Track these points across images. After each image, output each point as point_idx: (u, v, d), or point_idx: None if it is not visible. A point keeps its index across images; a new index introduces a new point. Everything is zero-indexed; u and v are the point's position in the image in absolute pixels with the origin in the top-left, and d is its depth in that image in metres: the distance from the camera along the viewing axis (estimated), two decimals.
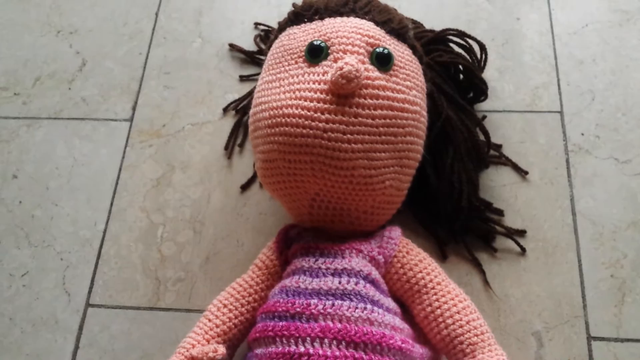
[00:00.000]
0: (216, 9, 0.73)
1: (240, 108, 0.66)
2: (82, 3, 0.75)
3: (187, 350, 0.46)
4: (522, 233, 0.57)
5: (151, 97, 0.68)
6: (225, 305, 0.49)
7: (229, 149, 0.64)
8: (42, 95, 0.69)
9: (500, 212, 0.58)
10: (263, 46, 0.68)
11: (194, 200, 0.61)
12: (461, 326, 0.45)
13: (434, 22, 0.65)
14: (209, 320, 0.48)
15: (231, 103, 0.66)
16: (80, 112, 0.68)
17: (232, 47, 0.69)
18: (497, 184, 0.60)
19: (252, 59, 0.69)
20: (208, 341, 0.47)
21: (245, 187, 0.62)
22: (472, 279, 0.56)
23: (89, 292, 0.57)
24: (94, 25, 0.73)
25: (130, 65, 0.70)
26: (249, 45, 0.69)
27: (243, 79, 0.68)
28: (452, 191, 0.56)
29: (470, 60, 0.61)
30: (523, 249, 0.56)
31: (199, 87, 0.68)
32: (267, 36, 0.69)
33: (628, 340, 0.52)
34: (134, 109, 0.67)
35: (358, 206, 0.48)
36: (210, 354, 0.44)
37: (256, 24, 0.71)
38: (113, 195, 0.62)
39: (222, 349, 0.45)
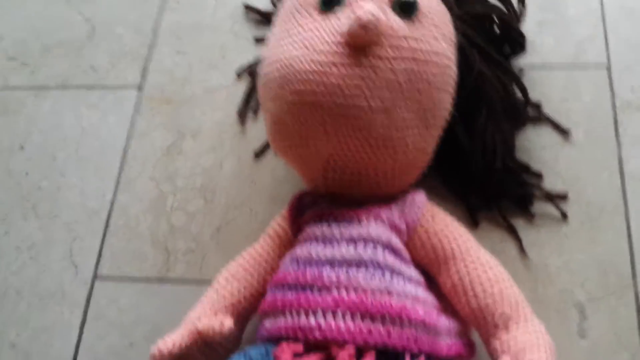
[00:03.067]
0: None
1: (255, 72, 0.65)
2: None
3: (193, 323, 0.46)
4: (563, 197, 0.55)
5: (162, 63, 0.68)
6: (233, 277, 0.49)
7: (242, 114, 0.64)
8: (50, 64, 0.71)
9: (539, 175, 0.56)
10: None
11: (205, 168, 0.62)
12: (492, 296, 0.43)
13: None
14: (217, 292, 0.48)
15: (246, 67, 0.66)
16: (89, 80, 0.69)
17: (248, 8, 0.70)
18: (536, 146, 0.58)
19: (268, 20, 0.68)
20: (215, 314, 0.47)
21: (259, 154, 0.61)
22: (507, 246, 0.54)
23: (97, 264, 0.58)
24: None
25: (141, 31, 0.71)
26: (265, 5, 0.69)
27: (259, 41, 0.68)
28: (485, 151, 0.54)
29: (506, 11, 0.60)
30: (564, 214, 0.54)
31: (212, 52, 0.68)
32: None
33: None
34: (143, 75, 0.68)
35: (377, 170, 0.46)
36: (217, 327, 0.44)
37: None
38: (121, 165, 0.63)
39: (229, 322, 0.44)
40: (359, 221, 0.45)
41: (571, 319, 0.51)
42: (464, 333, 0.46)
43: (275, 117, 0.47)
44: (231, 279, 0.49)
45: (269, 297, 0.44)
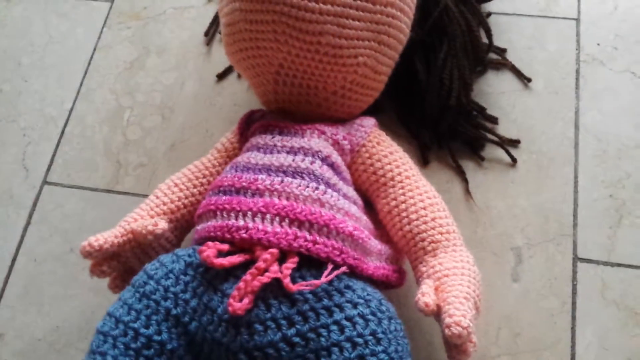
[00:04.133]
0: None
1: None
2: None
3: (129, 224, 0.44)
4: (515, 143, 0.53)
5: None
6: (176, 185, 0.48)
7: (209, 35, 0.61)
8: None
9: (494, 120, 0.54)
10: None
11: (166, 85, 0.60)
12: (425, 222, 0.42)
13: None
14: (157, 198, 0.47)
15: None
16: None
17: None
18: (495, 91, 0.56)
19: None
20: (152, 217, 0.45)
21: (221, 77, 0.59)
22: (453, 187, 0.52)
23: (48, 169, 0.57)
24: None
25: None
26: None
27: None
28: (441, 88, 0.52)
29: None
30: (514, 160, 0.53)
31: None
32: None
33: (619, 265, 0.49)
34: None
35: (327, 84, 0.45)
36: (150, 227, 0.43)
37: None
38: (84, 75, 0.61)
39: (163, 224, 0.43)
40: (302, 134, 0.44)
41: (507, 262, 0.49)
42: (395, 260, 0.45)
43: (229, 19, 0.45)
44: (173, 186, 0.47)
45: (204, 201, 0.43)
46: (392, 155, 0.46)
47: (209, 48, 0.61)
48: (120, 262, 0.44)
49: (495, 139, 0.53)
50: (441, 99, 0.52)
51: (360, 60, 0.44)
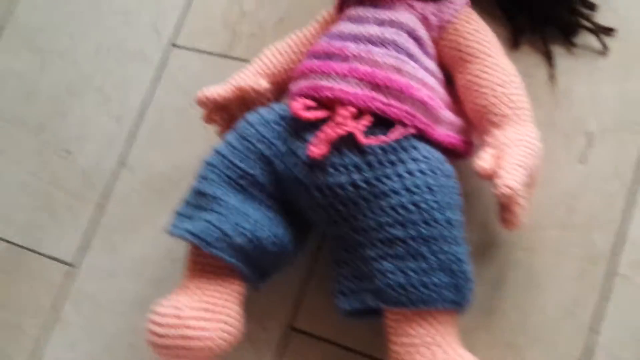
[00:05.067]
0: None
1: None
2: None
3: (236, 81, 0.51)
4: (610, 31, 0.52)
5: None
6: (279, 52, 0.53)
7: None
8: None
9: (592, 6, 0.53)
10: None
11: None
12: (496, 96, 0.45)
13: None
14: (261, 61, 0.52)
15: None
16: None
17: None
18: None
19: None
20: (256, 77, 0.51)
21: None
22: (538, 71, 0.53)
23: (175, 33, 0.64)
24: None
25: None
26: None
27: None
28: None
29: None
30: (605, 47, 0.52)
31: None
32: None
33: None
34: None
35: None
36: (255, 86, 0.49)
37: None
38: None
39: (264, 83, 0.50)
40: (392, 7, 0.47)
41: (577, 144, 0.50)
42: (465, 133, 0.47)
43: None
44: (277, 53, 0.53)
45: (300, 65, 0.48)
46: (478, 34, 0.47)
47: None
48: (227, 114, 0.51)
49: (590, 25, 0.53)
50: None
51: None
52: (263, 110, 0.47)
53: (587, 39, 0.53)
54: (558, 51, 0.53)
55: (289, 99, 0.48)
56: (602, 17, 0.53)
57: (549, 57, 0.53)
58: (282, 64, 0.52)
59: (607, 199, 0.48)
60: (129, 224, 0.59)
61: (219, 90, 0.50)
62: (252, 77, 0.51)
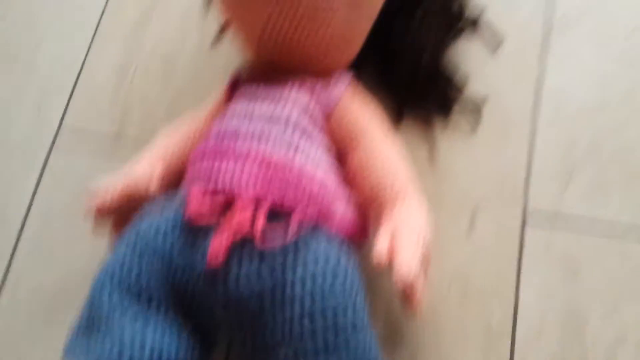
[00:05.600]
0: None
1: None
2: None
3: (129, 178, 0.49)
4: (479, 105, 0.57)
5: None
6: (174, 137, 0.53)
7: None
8: None
9: (463, 81, 0.57)
10: None
11: (169, 41, 0.63)
12: (388, 174, 0.46)
13: None
14: (156, 149, 0.52)
15: None
16: None
17: None
18: (464, 52, 0.59)
19: None
20: (149, 166, 0.51)
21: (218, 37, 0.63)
22: (420, 147, 0.56)
23: (62, 116, 0.62)
24: None
25: None
26: None
27: None
28: (414, 54, 0.55)
29: None
30: (477, 122, 0.56)
31: None
32: None
33: (565, 221, 0.53)
34: None
35: (307, 41, 0.47)
36: (150, 184, 0.48)
37: None
38: (96, 28, 0.65)
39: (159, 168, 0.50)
40: (284, 86, 0.48)
41: (463, 220, 0.53)
42: (360, 216, 0.48)
43: None
44: (172, 138, 0.52)
45: (195, 149, 0.47)
46: (365, 110, 0.49)
47: (207, 12, 0.64)
48: (119, 213, 0.49)
49: (463, 100, 0.57)
50: (413, 64, 0.55)
51: (339, 19, 0.46)
52: (156, 218, 0.45)
53: (460, 112, 0.57)
54: (436, 124, 0.57)
55: (184, 183, 0.47)
56: (472, 90, 0.57)
57: (428, 131, 0.56)
58: (179, 149, 0.52)
59: (497, 270, 0.52)
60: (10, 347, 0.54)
61: (111, 193, 0.47)
62: (147, 169, 0.50)
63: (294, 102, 0.46)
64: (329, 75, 0.50)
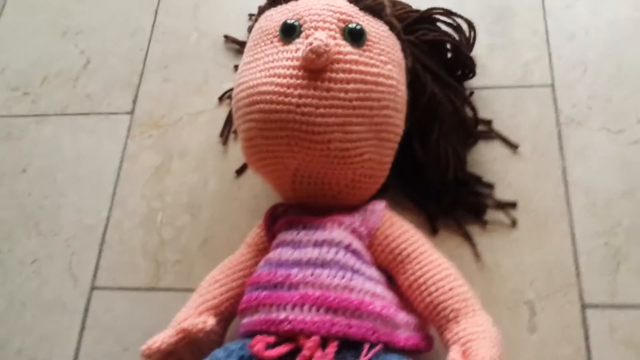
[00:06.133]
0: (212, 3, 0.75)
1: None
2: (85, 4, 0.78)
3: (179, 323, 0.47)
4: (512, 205, 0.57)
5: (151, 90, 0.70)
6: (216, 281, 0.51)
7: (224, 135, 0.65)
8: (50, 93, 0.72)
9: (490, 186, 0.58)
10: None
11: (191, 186, 0.63)
12: (444, 293, 0.46)
13: (422, 3, 0.65)
14: (200, 296, 0.50)
15: (226, 92, 0.68)
16: (85, 108, 0.70)
17: (227, 38, 0.71)
18: (488, 159, 0.60)
19: None
20: (199, 314, 0.48)
21: (240, 172, 0.63)
22: (463, 251, 0.56)
23: (94, 275, 0.60)
24: (97, 25, 0.76)
25: (132, 61, 0.72)
26: (243, 36, 0.71)
27: (237, 68, 0.69)
28: (439, 165, 0.56)
29: (457, 38, 0.61)
30: (514, 221, 0.56)
31: (196, 78, 0.70)
32: None
33: (623, 306, 0.52)
34: (134, 102, 0.69)
35: (339, 180, 0.49)
36: (200, 325, 0.46)
37: (250, 15, 0.72)
38: (115, 185, 0.65)
39: (211, 321, 0.47)
40: (324, 227, 0.47)
41: (522, 315, 0.52)
42: (422, 327, 0.47)
43: (247, 135, 0.49)
44: (213, 283, 0.51)
45: (245, 297, 0.46)
46: (405, 234, 0.49)
47: (226, 147, 0.65)
48: (175, 358, 0.47)
49: (495, 203, 0.57)
50: (440, 175, 0.56)
51: (366, 157, 0.48)
52: (219, 354, 0.43)
53: (495, 214, 0.57)
54: (474, 230, 0.56)
55: (242, 335, 0.45)
56: (501, 193, 0.58)
57: (467, 238, 0.56)
58: (223, 293, 0.50)
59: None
60: None
61: (164, 337, 0.46)
62: (195, 314, 0.48)
63: (337, 243, 0.46)
64: (362, 205, 0.50)
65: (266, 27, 0.50)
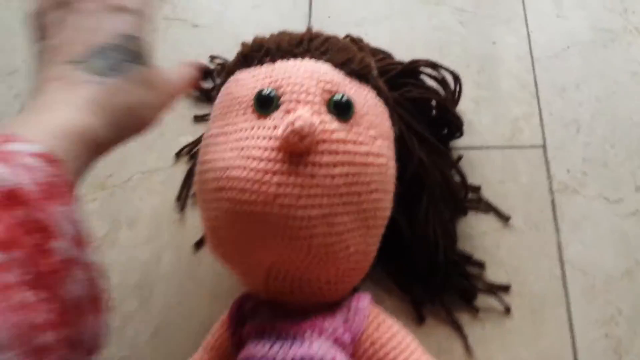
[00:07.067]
0: (169, 42, 0.65)
1: (195, 153, 0.58)
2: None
3: None
4: (505, 289, 0.50)
5: None
6: None
7: (181, 199, 0.56)
8: None
9: (481, 265, 0.51)
10: None
11: (142, 262, 0.54)
12: None
13: (403, 49, 0.58)
14: None
15: (184, 147, 0.59)
16: None
17: None
18: (477, 232, 0.53)
19: (207, 97, 0.61)
20: None
21: (199, 245, 0.54)
22: (453, 344, 0.48)
23: None
24: None
25: None
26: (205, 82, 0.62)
27: (198, 119, 0.60)
28: (428, 245, 0.49)
29: (443, 93, 0.54)
30: (507, 309, 0.49)
31: (150, 131, 0.60)
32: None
33: None
34: None
35: (319, 276, 0.41)
36: None
37: (212, 57, 0.63)
38: None
39: None
40: (302, 338, 0.39)
41: None
42: None
43: (212, 224, 0.40)
44: None
45: None
46: (394, 340, 0.42)
47: (183, 214, 0.56)
48: None
49: (486, 286, 0.50)
50: (428, 255, 0.49)
51: (352, 250, 0.40)
52: None
53: (487, 299, 0.50)
54: (463, 317, 0.49)
55: None
56: (492, 273, 0.51)
57: (457, 328, 0.49)
58: None
59: None
60: None
61: None
62: None
63: (318, 354, 0.38)
64: (343, 300, 0.42)
65: (237, 93, 0.41)
